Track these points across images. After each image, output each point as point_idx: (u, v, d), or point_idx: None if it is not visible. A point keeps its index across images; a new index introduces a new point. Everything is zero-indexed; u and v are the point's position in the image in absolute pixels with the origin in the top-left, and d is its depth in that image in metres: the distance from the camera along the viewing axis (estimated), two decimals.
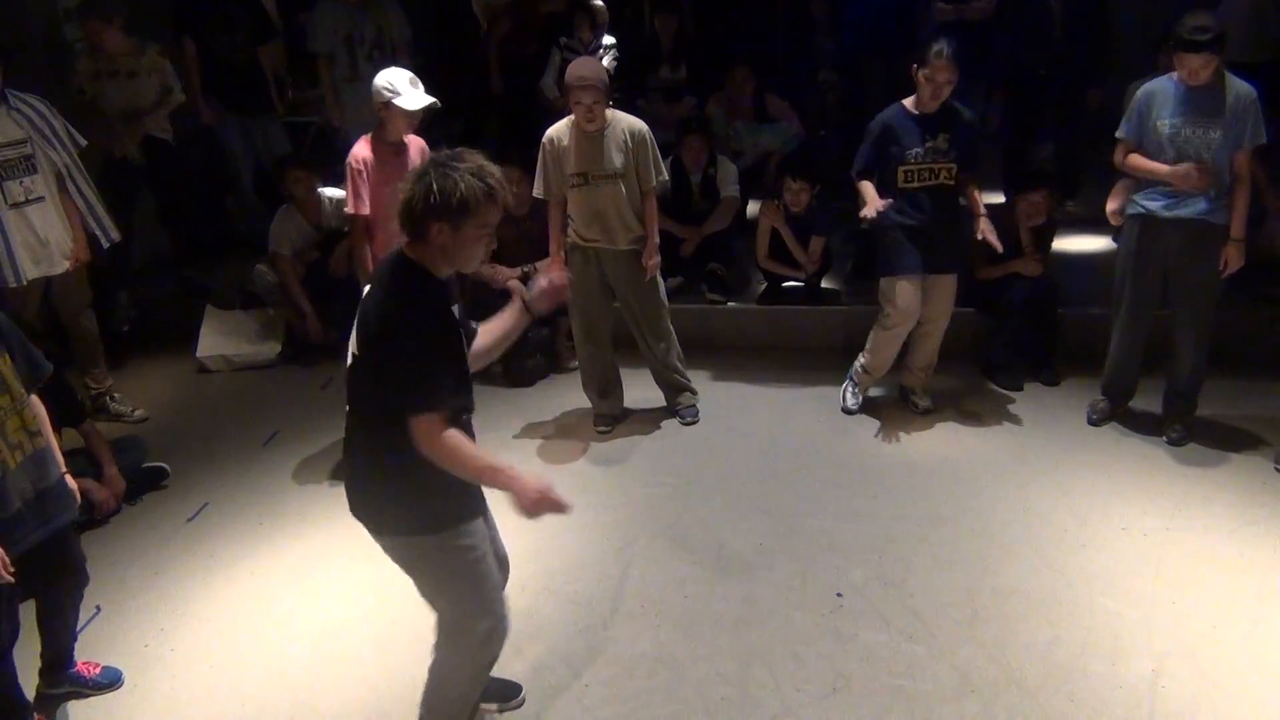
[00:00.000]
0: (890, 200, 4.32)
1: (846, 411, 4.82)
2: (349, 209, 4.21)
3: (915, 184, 4.36)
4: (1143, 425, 4.53)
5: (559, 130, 4.35)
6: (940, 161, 4.34)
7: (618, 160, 4.31)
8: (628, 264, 4.48)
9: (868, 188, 4.40)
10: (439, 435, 2.36)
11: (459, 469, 2.41)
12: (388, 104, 4.02)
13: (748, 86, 6.51)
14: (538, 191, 4.46)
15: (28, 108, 4.49)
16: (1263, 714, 2.91)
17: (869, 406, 4.87)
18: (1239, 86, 4.01)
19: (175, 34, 6.25)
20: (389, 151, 4.17)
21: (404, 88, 4.02)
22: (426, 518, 2.51)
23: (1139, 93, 4.22)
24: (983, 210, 4.45)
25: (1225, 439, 4.42)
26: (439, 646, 2.74)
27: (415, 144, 4.27)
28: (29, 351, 2.94)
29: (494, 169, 2.38)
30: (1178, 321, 4.34)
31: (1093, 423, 4.59)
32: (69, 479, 3.03)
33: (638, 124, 4.37)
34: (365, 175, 4.14)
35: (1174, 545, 3.69)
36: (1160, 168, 4.09)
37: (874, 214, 4.30)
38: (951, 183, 4.38)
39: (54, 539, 2.90)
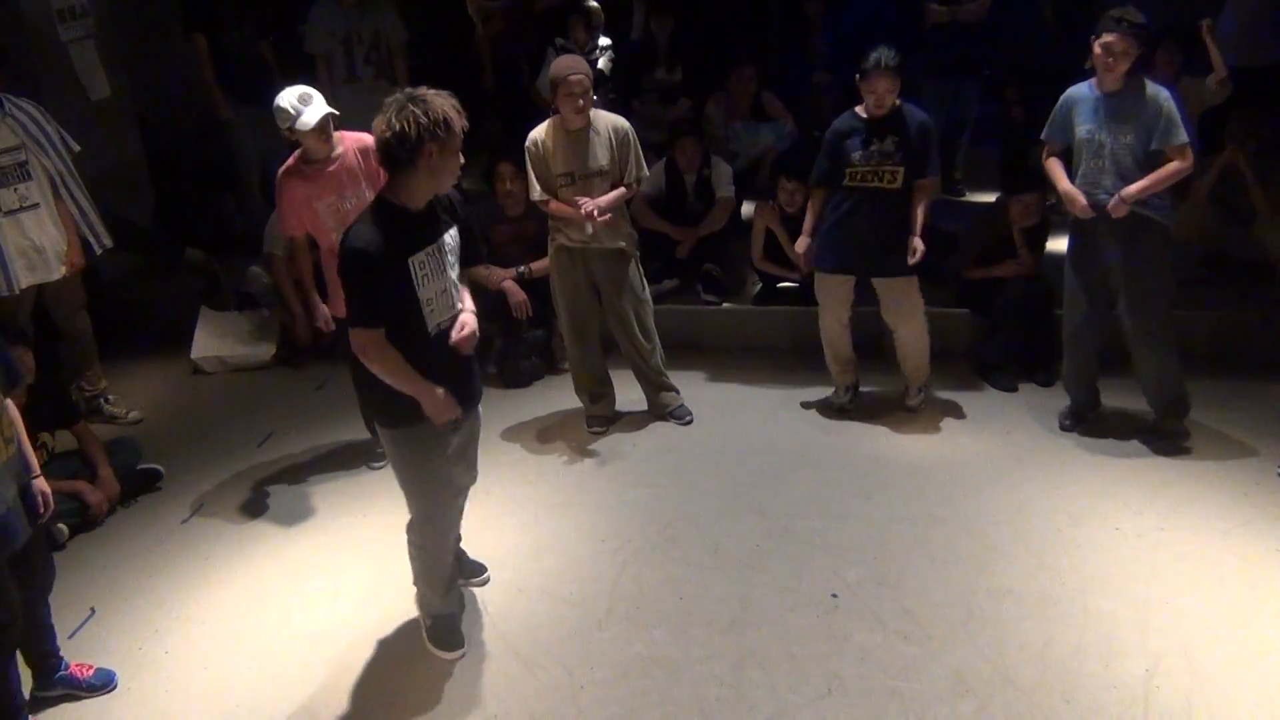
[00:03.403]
0: (806, 245, 4.60)
1: (839, 409, 4.84)
2: (280, 229, 4.32)
3: (856, 184, 4.41)
4: (1136, 427, 4.53)
5: (540, 132, 4.36)
6: (886, 164, 4.36)
7: (604, 158, 4.33)
8: (614, 263, 4.50)
9: (810, 208, 4.63)
10: (370, 349, 2.80)
11: (389, 379, 2.84)
12: (291, 129, 3.93)
13: (751, 87, 6.53)
14: (533, 195, 4.44)
15: (22, 113, 4.49)
16: (1257, 713, 2.92)
17: (864, 407, 4.87)
18: (1154, 90, 4.03)
19: (185, 29, 6.25)
20: (318, 167, 4.07)
21: (298, 107, 3.91)
22: (388, 414, 2.98)
23: (1062, 97, 4.26)
24: (918, 232, 4.44)
25: (1219, 441, 4.43)
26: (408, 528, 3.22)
27: (352, 144, 4.13)
28: (4, 358, 2.94)
29: (447, 94, 2.79)
30: (1130, 330, 4.29)
31: (1065, 428, 4.59)
32: (41, 482, 3.02)
33: (620, 121, 4.39)
34: (295, 198, 4.06)
35: (1168, 546, 3.70)
36: (1061, 180, 4.23)
37: (800, 249, 4.62)
38: (896, 185, 4.39)
39: (32, 541, 2.89)
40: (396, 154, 2.72)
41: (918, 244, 4.42)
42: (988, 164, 6.92)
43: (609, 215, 4.33)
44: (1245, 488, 4.07)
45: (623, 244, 4.49)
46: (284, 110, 3.92)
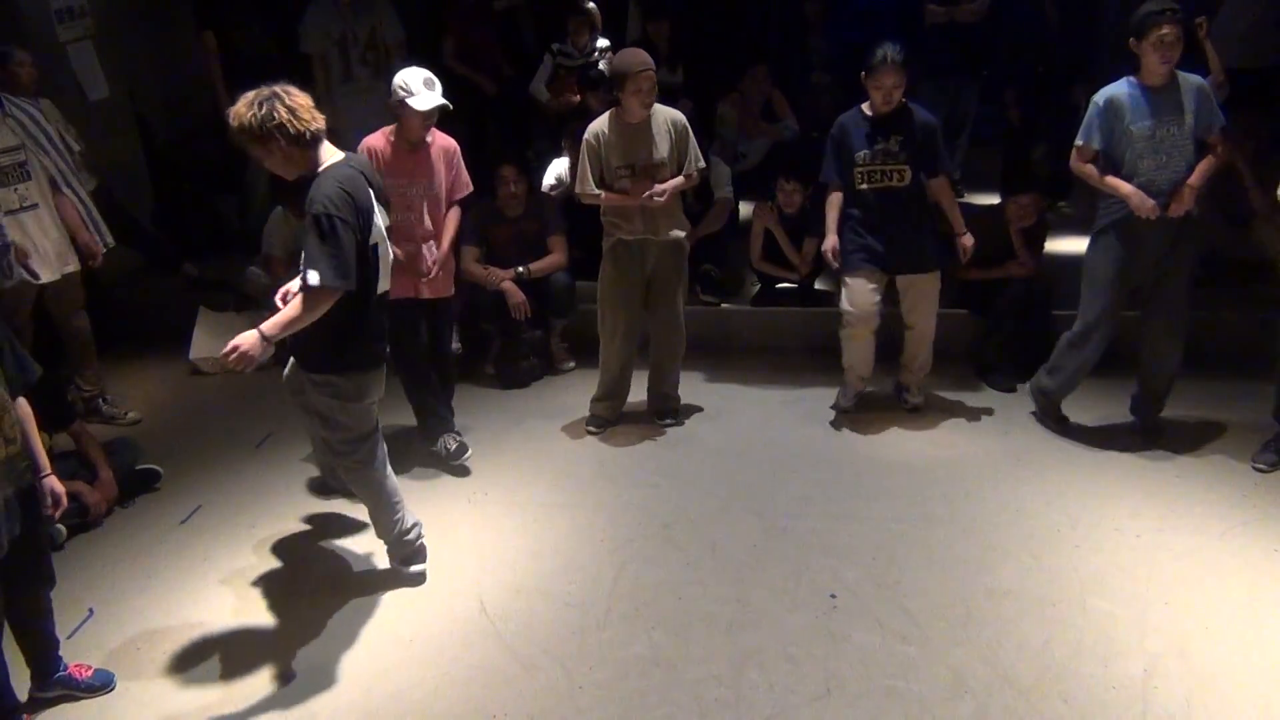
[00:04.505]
0: (835, 244, 4.48)
1: (840, 410, 4.84)
2: None
3: (866, 185, 4.42)
4: (1131, 427, 4.53)
5: (601, 125, 4.40)
6: (891, 163, 4.38)
7: (664, 149, 4.36)
8: (672, 254, 4.52)
9: (829, 210, 4.54)
10: None
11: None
12: (401, 103, 4.06)
13: (766, 88, 6.54)
14: (579, 188, 4.46)
15: (22, 113, 4.52)
16: (1255, 713, 2.92)
17: (863, 407, 4.87)
18: (1191, 79, 4.08)
19: (196, 28, 6.25)
20: (404, 149, 4.21)
21: (418, 87, 4.05)
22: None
23: (1098, 99, 4.19)
24: (964, 229, 4.50)
25: (1217, 441, 4.44)
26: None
27: (440, 143, 4.29)
28: (19, 355, 2.92)
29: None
30: (1155, 326, 4.31)
31: (1060, 428, 4.61)
32: (53, 480, 3.00)
33: (677, 113, 4.45)
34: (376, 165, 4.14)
35: (1166, 546, 3.71)
36: (1124, 186, 4.09)
37: (829, 250, 4.48)
38: (904, 184, 4.40)
39: (28, 543, 2.87)
40: (312, 139, 3.16)
41: (967, 242, 4.44)
42: (987, 164, 6.93)
43: (665, 197, 4.34)
44: (1244, 488, 4.07)
45: (680, 234, 4.51)
46: (403, 84, 4.04)
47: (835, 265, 4.56)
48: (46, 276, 4.60)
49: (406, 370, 4.48)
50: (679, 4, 6.94)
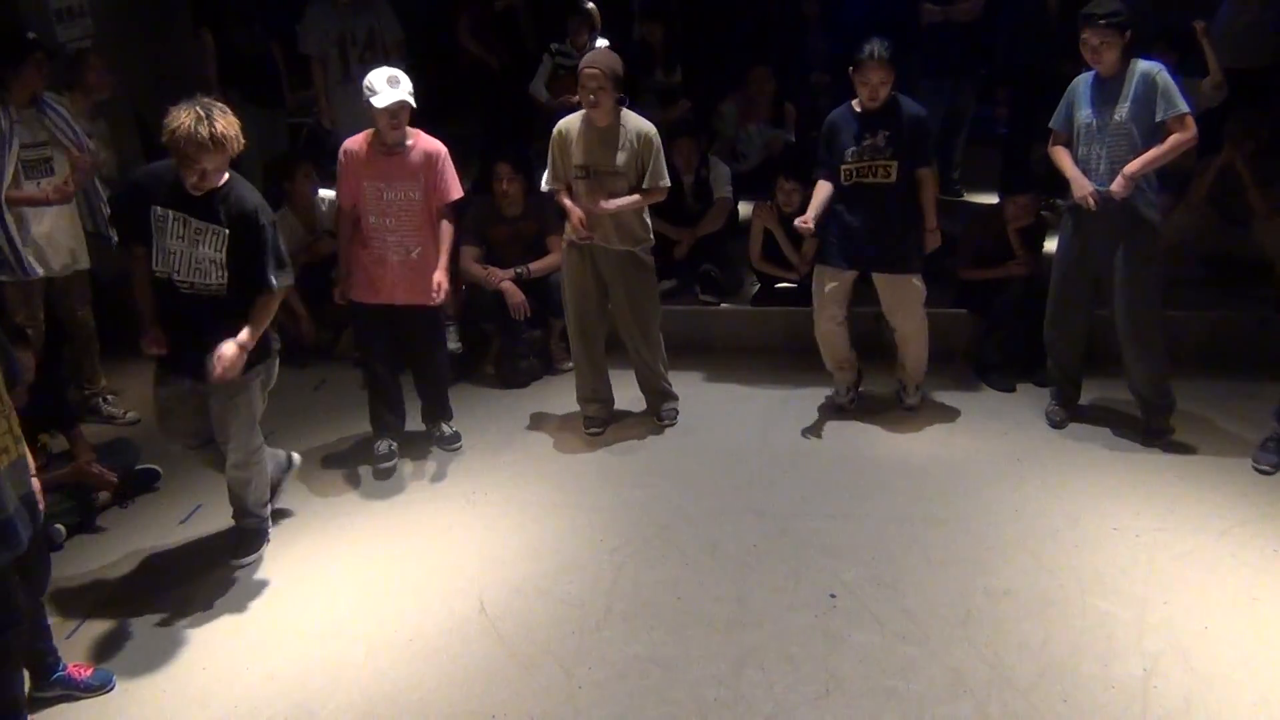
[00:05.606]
0: (809, 222, 4.35)
1: (838, 407, 4.84)
2: (338, 197, 4.37)
3: (852, 181, 4.41)
4: (1134, 426, 4.53)
5: (570, 122, 4.39)
6: (878, 159, 4.36)
7: (621, 159, 4.32)
8: (622, 263, 4.49)
9: (815, 193, 4.53)
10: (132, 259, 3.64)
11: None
12: (367, 102, 4.09)
13: (768, 88, 6.54)
14: (546, 183, 4.49)
15: (54, 113, 4.62)
16: (1255, 713, 2.92)
17: (862, 407, 4.87)
18: (1144, 67, 4.06)
19: (194, 26, 6.25)
20: (380, 151, 4.21)
21: (380, 86, 4.06)
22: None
23: (1070, 84, 4.29)
24: (934, 224, 4.48)
25: (1217, 440, 4.44)
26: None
27: (423, 147, 4.26)
28: (9, 356, 2.93)
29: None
30: (1118, 324, 4.32)
31: (1054, 424, 4.61)
32: (35, 482, 3.01)
33: (647, 126, 4.38)
34: (346, 168, 4.25)
35: (1166, 545, 3.70)
36: (1069, 167, 4.23)
37: (809, 224, 4.35)
38: (891, 180, 4.38)
39: (34, 543, 2.87)
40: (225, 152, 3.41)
41: (933, 238, 4.41)
42: (985, 164, 6.92)
43: (607, 210, 4.31)
44: (1243, 487, 4.07)
45: (633, 248, 4.47)
46: (368, 84, 4.10)
47: (809, 234, 4.50)
48: (58, 269, 4.67)
49: (367, 373, 4.60)
50: (678, 4, 6.93)
